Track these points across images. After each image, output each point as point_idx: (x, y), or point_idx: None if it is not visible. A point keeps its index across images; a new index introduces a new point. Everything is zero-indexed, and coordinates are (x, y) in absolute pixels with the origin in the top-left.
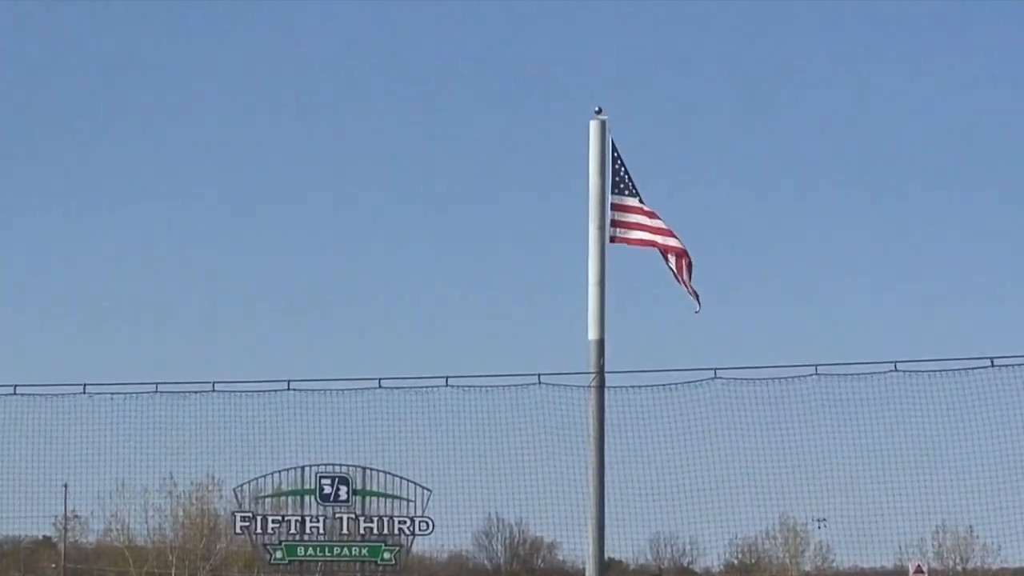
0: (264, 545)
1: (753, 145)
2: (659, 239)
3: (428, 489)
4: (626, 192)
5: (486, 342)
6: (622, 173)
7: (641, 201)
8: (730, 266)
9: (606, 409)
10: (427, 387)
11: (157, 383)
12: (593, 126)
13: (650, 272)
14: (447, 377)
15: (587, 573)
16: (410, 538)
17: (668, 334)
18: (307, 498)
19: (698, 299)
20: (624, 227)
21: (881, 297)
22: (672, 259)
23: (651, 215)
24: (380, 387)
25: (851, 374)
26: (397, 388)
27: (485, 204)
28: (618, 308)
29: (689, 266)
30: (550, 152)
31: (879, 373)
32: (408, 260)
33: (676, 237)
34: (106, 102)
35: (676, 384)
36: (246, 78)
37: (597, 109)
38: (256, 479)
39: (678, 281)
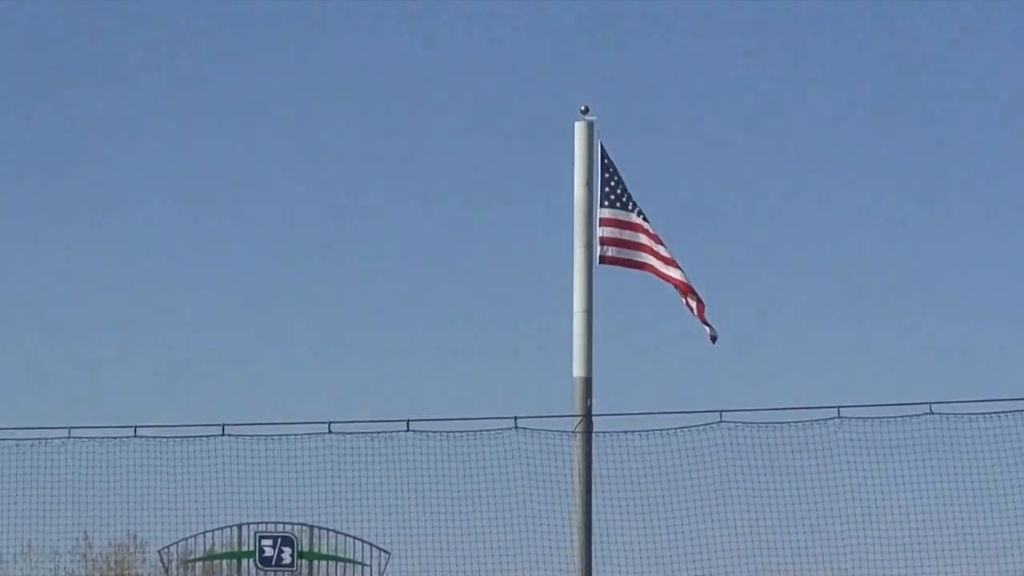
0: None
1: (767, 154)
2: (660, 265)
3: (387, 551)
4: (618, 205)
5: (454, 380)
6: (613, 183)
7: (640, 214)
8: (738, 293)
9: (594, 458)
10: (385, 432)
11: (70, 427)
12: (579, 128)
13: (645, 299)
14: (408, 420)
15: None
16: None
17: (665, 370)
18: (245, 562)
19: (713, 334)
20: (616, 246)
21: (913, 329)
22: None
23: (655, 238)
24: (330, 432)
25: (880, 417)
26: (350, 433)
27: (453, 221)
28: (608, 341)
29: (699, 302)
30: (529, 159)
31: (912, 416)
32: (362, 284)
33: (680, 268)
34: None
35: (675, 429)
36: (219, 84)
37: (584, 108)
38: (185, 539)
39: (693, 315)
